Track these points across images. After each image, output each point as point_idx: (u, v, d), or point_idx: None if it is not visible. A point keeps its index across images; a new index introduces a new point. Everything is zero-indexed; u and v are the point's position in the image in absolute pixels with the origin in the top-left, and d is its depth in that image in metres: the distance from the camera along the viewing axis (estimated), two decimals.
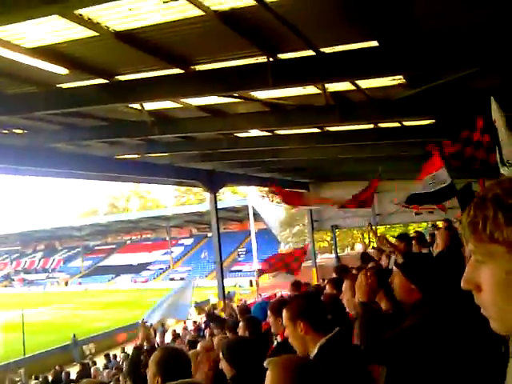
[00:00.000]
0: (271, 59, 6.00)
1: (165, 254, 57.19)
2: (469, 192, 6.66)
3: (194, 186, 21.69)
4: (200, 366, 4.08)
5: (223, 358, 3.28)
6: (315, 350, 2.48)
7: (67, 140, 10.50)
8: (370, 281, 2.82)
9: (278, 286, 29.79)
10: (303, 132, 11.23)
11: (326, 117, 8.65)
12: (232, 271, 45.63)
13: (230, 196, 62.54)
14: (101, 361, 19.16)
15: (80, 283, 55.95)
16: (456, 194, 7.04)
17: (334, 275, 6.70)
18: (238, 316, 7.55)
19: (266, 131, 11.08)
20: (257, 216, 43.04)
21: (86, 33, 5.23)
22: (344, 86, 7.46)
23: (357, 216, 22.31)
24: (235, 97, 7.95)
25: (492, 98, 4.70)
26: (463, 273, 0.94)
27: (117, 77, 6.75)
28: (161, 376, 2.68)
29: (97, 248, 65.66)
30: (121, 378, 9.33)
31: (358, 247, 43.56)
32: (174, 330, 21.64)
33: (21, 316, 25.22)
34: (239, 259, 50.14)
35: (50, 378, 16.44)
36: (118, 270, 56.97)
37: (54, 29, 5.12)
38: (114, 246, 64.77)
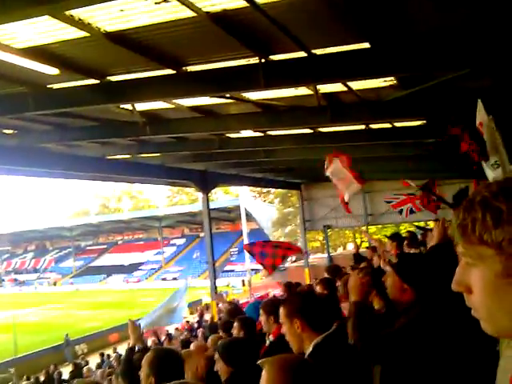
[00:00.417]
0: (263, 60, 6.01)
1: (157, 254, 57.01)
2: (465, 195, 6.70)
3: (187, 186, 21.68)
4: (192, 363, 4.08)
5: (219, 357, 3.28)
6: (310, 348, 2.48)
7: (58, 140, 10.44)
8: (363, 280, 2.83)
9: (271, 286, 29.80)
10: (295, 133, 11.25)
11: (318, 117, 8.67)
12: (224, 271, 45.57)
13: (222, 196, 62.47)
14: (94, 360, 19.09)
15: (72, 283, 55.63)
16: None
17: (326, 275, 6.71)
18: (224, 317, 7.50)
19: (258, 132, 11.08)
20: (249, 216, 43.04)
21: (77, 33, 5.20)
22: (336, 87, 7.48)
23: (349, 216, 22.41)
24: (227, 97, 7.95)
25: (479, 100, 4.71)
26: (454, 272, 0.95)
27: (108, 77, 6.72)
28: (154, 376, 2.68)
29: (88, 248, 65.31)
30: (113, 379, 9.28)
31: (350, 247, 43.66)
32: (167, 331, 21.58)
33: (12, 317, 25.05)
34: (231, 259, 50.09)
35: (41, 379, 16.34)
36: (110, 270, 56.71)
37: (44, 29, 5.09)
38: (105, 246, 64.45)
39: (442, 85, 6.85)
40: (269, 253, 9.65)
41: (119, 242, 64.51)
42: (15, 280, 61.34)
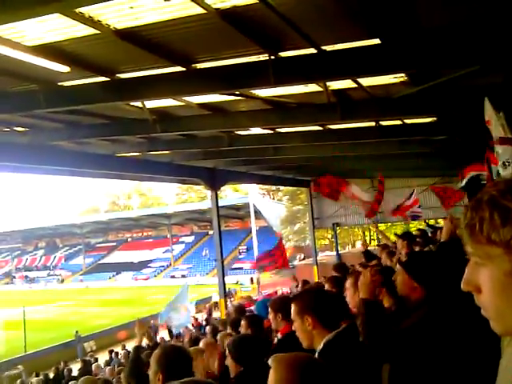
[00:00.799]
0: (273, 57, 5.99)
1: (166, 251, 57.22)
2: (477, 184, 6.66)
3: (196, 184, 21.72)
4: (205, 360, 4.08)
5: (229, 355, 3.28)
6: (321, 345, 2.47)
7: (68, 138, 10.51)
8: (375, 278, 2.82)
9: (279, 284, 29.83)
10: (304, 130, 11.22)
11: (328, 114, 8.64)
12: (233, 269, 45.65)
13: (231, 194, 62.55)
14: (103, 357, 19.20)
15: (81, 280, 56.01)
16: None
17: (334, 273, 6.70)
18: (234, 314, 7.53)
19: (268, 129, 11.06)
20: (258, 214, 43.06)
21: (87, 31, 5.23)
22: (345, 83, 7.45)
23: (357, 214, 22.32)
24: (236, 95, 7.94)
25: (486, 98, 4.67)
26: (464, 270, 0.94)
27: (118, 75, 6.75)
28: (162, 373, 2.68)
29: (98, 246, 65.72)
30: (122, 376, 9.31)
31: (359, 245, 43.55)
32: (168, 327, 21.66)
33: (22, 313, 25.26)
34: (240, 257, 50.15)
35: (51, 375, 16.44)
36: (119, 268, 57.02)
37: (55, 27, 5.12)
38: (114, 244, 64.82)
39: (452, 81, 6.80)
40: (276, 257, 9.80)
41: (129, 240, 64.85)
42: (26, 277, 61.88)
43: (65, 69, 6.19)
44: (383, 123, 10.52)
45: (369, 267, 4.31)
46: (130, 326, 24.09)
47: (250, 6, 4.76)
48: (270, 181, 24.76)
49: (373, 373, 2.53)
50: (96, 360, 17.97)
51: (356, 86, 7.46)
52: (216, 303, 26.20)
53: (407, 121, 10.22)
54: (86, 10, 4.74)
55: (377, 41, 5.63)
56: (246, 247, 49.98)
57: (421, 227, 13.45)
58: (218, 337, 5.35)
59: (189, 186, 65.82)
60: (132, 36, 5.43)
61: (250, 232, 40.63)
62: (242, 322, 4.91)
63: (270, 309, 4.03)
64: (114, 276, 56.18)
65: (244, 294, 30.58)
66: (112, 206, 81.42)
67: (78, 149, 11.95)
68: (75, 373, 15.99)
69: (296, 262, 33.42)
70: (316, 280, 19.37)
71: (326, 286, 5.18)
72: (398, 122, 10.35)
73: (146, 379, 3.56)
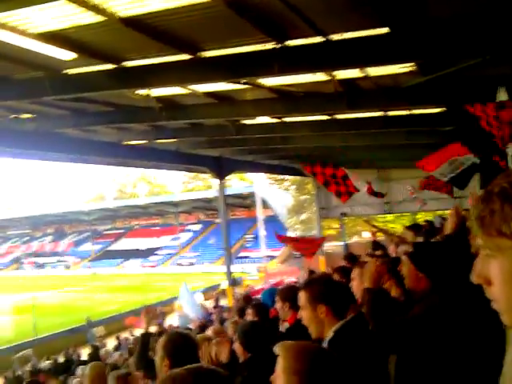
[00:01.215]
0: (279, 46, 5.94)
1: (173, 239, 57.48)
2: (490, 164, 6.58)
3: (202, 172, 21.74)
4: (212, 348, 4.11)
5: (238, 341, 3.30)
6: (331, 334, 2.46)
7: (74, 125, 10.54)
8: (379, 269, 2.82)
9: (286, 273, 29.88)
10: (311, 119, 11.16)
11: (335, 104, 8.59)
12: (239, 257, 45.78)
13: (238, 183, 62.56)
14: (111, 343, 19.44)
15: (89, 267, 56.48)
16: (477, 171, 6.97)
17: (343, 263, 6.68)
18: (241, 302, 7.61)
19: (274, 118, 11.02)
20: (264, 203, 43.06)
21: (93, 18, 5.20)
22: (353, 73, 7.38)
23: (365, 204, 22.25)
24: (243, 83, 7.90)
25: (502, 87, 4.61)
26: (470, 261, 0.94)
27: (124, 62, 6.72)
28: (168, 359, 2.70)
29: (105, 232, 66.12)
30: (130, 361, 9.42)
31: (366, 235, 43.50)
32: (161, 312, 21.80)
33: (31, 298, 25.58)
34: (246, 245, 50.26)
35: (60, 360, 16.68)
36: (127, 255, 57.37)
37: (60, 14, 5.10)
38: (122, 231, 65.17)
39: (462, 71, 6.72)
40: (301, 247, 9.81)
41: (136, 227, 65.16)
42: (34, 263, 62.49)
43: (70, 56, 6.19)
44: (390, 113, 10.44)
45: (374, 257, 4.30)
46: (137, 313, 24.35)
47: None
48: (276, 170, 24.73)
49: (381, 362, 2.53)
50: (104, 345, 18.20)
51: (363, 75, 7.39)
52: (224, 291, 26.36)
53: (415, 111, 10.13)
54: None
55: (386, 30, 5.55)
56: (252, 236, 50.07)
57: (428, 218, 13.39)
58: (226, 324, 5.39)
59: (195, 175, 65.89)
60: (138, 24, 5.40)
61: (257, 221, 40.64)
62: (249, 311, 4.94)
63: (277, 297, 4.04)
64: (121, 263, 56.57)
65: (251, 282, 30.69)
66: (119, 193, 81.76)
67: (84, 136, 11.99)
68: (84, 357, 16.23)
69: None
70: (323, 270, 19.39)
71: (335, 277, 5.18)
72: (406, 112, 10.26)
73: (154, 365, 3.60)
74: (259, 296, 9.78)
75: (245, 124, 11.64)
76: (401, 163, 19.75)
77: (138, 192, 79.30)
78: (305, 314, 2.56)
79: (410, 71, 7.20)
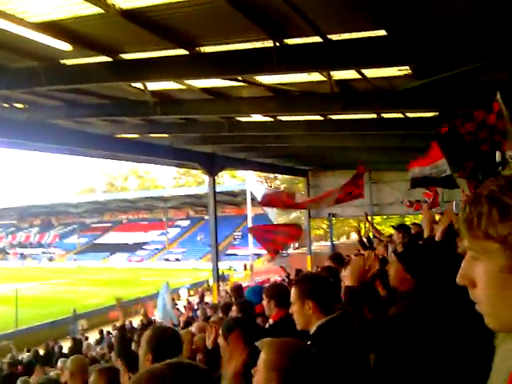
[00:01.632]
0: (278, 44, 5.94)
1: (161, 234, 57.31)
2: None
3: (194, 168, 21.66)
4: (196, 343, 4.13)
5: (222, 336, 3.32)
6: (314, 328, 2.53)
7: (68, 116, 10.44)
8: (368, 266, 2.83)
9: (272, 271, 29.96)
10: (306, 119, 11.17)
11: (330, 104, 8.60)
12: (227, 254, 45.79)
13: (229, 180, 62.49)
14: (93, 336, 19.34)
15: (75, 260, 56.11)
16: (455, 187, 7.04)
17: (329, 263, 6.72)
18: (232, 296, 7.63)
19: (268, 116, 11.02)
20: (254, 201, 43.12)
21: (91, 9, 5.16)
22: (349, 74, 7.40)
23: (354, 206, 22.33)
24: (239, 80, 7.89)
25: (498, 92, 4.65)
26: (456, 264, 0.95)
27: (121, 55, 6.68)
28: (151, 354, 2.70)
29: (93, 225, 65.74)
30: (112, 356, 9.39)
31: (354, 236, 43.72)
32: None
33: (14, 290, 25.34)
34: (234, 243, 50.30)
35: (41, 352, 16.53)
36: (114, 249, 57.13)
37: (59, 4, 5.06)
38: (110, 225, 64.84)
39: (457, 77, 6.77)
40: (270, 238, 9.73)
41: (124, 221, 64.87)
42: (20, 254, 61.92)
43: (67, 47, 6.13)
44: (385, 116, 10.49)
45: (360, 255, 4.33)
46: (124, 306, 24.21)
47: None
48: (268, 168, 24.73)
49: (362, 360, 2.56)
50: (86, 339, 18.11)
51: (360, 77, 7.42)
52: (209, 287, 26.36)
53: (409, 114, 10.19)
54: None
55: (383, 32, 5.58)
56: (241, 234, 50.10)
57: (416, 221, 13.47)
58: (211, 321, 5.39)
59: (186, 170, 65.69)
60: (137, 16, 5.37)
61: (246, 219, 40.66)
62: (233, 307, 4.96)
63: (264, 295, 4.08)
64: (108, 256, 56.30)
65: (237, 279, 30.74)
66: (109, 186, 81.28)
67: (77, 128, 11.89)
68: (65, 350, 16.11)
69: (290, 251, 33.54)
70: (309, 269, 19.46)
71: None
72: (400, 115, 10.32)
73: (134, 357, 3.59)
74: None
75: (239, 121, 11.62)
76: (392, 166, 19.86)
77: (129, 186, 78.89)
78: (294, 309, 2.65)
79: (406, 75, 7.24)
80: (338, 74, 7.49)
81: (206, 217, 48.15)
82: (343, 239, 44.41)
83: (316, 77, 7.54)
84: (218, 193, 23.17)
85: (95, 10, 5.16)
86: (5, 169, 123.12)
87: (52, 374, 9.63)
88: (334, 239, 30.83)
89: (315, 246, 30.56)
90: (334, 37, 5.80)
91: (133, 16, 5.33)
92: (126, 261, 53.56)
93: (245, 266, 37.58)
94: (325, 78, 7.49)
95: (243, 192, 42.97)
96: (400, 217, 32.99)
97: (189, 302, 23.56)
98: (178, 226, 59.21)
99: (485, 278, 0.88)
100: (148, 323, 5.29)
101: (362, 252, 7.04)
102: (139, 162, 24.43)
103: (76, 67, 6.97)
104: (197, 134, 13.20)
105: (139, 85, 8.27)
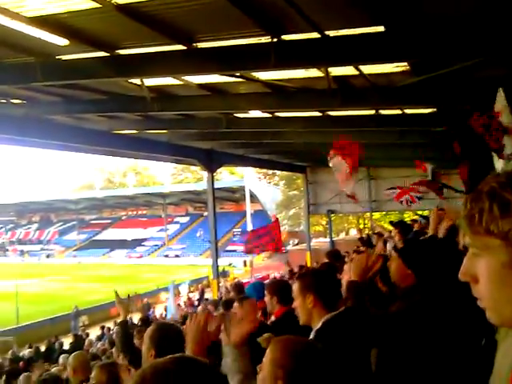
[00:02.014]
0: (275, 40, 5.92)
1: (160, 230, 57.30)
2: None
3: (192, 165, 21.68)
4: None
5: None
6: (319, 324, 2.53)
7: (65, 112, 10.42)
8: (372, 264, 2.83)
9: (272, 268, 30.00)
10: (304, 115, 11.17)
11: (328, 101, 8.59)
12: (226, 251, 45.82)
13: (228, 176, 62.49)
14: (94, 332, 19.37)
15: (75, 256, 56.12)
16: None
17: (326, 260, 6.74)
18: (232, 293, 7.63)
19: (266, 113, 11.00)
20: (253, 197, 43.11)
21: (88, 4, 5.14)
22: (347, 70, 7.39)
23: (353, 202, 22.37)
24: (237, 76, 7.87)
25: (500, 89, 4.65)
26: (457, 260, 0.95)
27: (118, 50, 6.66)
28: (155, 350, 2.71)
29: (92, 222, 65.72)
30: (114, 351, 9.40)
31: (353, 232, 43.78)
32: (166, 306, 21.93)
33: (14, 286, 25.35)
34: (234, 239, 50.31)
35: (42, 348, 16.55)
36: (113, 245, 57.10)
37: None
38: (109, 221, 64.81)
39: (455, 73, 6.75)
40: (267, 240, 9.83)
41: (123, 218, 64.85)
42: (19, 250, 61.93)
43: (64, 42, 6.11)
44: (383, 112, 10.48)
45: (363, 252, 4.34)
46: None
47: None
48: (266, 165, 24.75)
49: (364, 356, 2.56)
50: (87, 335, 18.13)
51: (357, 73, 7.40)
52: (208, 283, 26.42)
53: (407, 111, 10.18)
54: None
55: (381, 28, 5.57)
56: (240, 230, 50.12)
57: (415, 218, 13.51)
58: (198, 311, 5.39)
59: (185, 167, 65.65)
60: (134, 11, 5.35)
61: (245, 215, 40.71)
62: (235, 304, 4.95)
63: (266, 291, 4.09)
64: (107, 253, 56.31)
65: (237, 275, 30.77)
66: (107, 183, 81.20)
67: (74, 123, 11.86)
68: (66, 346, 16.14)
69: (289, 247, 33.59)
70: (309, 265, 19.49)
71: None
72: (398, 112, 10.31)
73: (137, 353, 3.59)
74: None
75: (237, 117, 11.61)
76: (391, 162, 19.88)
77: (127, 182, 78.87)
78: (297, 303, 2.67)
79: (404, 71, 7.23)
80: (335, 70, 7.47)
81: (205, 213, 48.17)
82: (342, 235, 44.44)
83: (314, 73, 7.52)
84: (217, 189, 23.16)
85: (91, 4, 5.14)
86: (3, 165, 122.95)
87: (53, 370, 9.66)
88: (333, 235, 30.85)
89: (314, 242, 30.60)
90: (332, 33, 5.78)
91: (129, 11, 5.31)
92: (126, 257, 53.58)
93: (244, 263, 37.60)
94: (322, 74, 7.47)
95: (242, 188, 42.97)
96: (399, 213, 33.04)
97: (189, 298, 23.61)
98: (177, 223, 59.19)
99: (487, 273, 0.88)
100: (145, 319, 5.30)
101: (361, 249, 7.07)
102: (137, 159, 24.42)
103: (73, 62, 6.94)
104: (195, 130, 13.19)
105: (137, 80, 8.25)
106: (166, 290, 26.90)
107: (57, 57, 6.85)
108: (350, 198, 9.86)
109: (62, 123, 11.62)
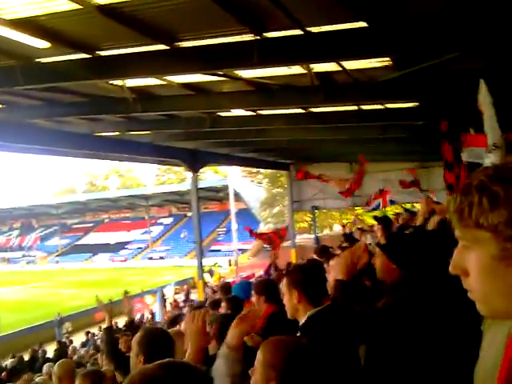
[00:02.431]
0: (258, 37, 5.92)
1: (144, 233, 56.87)
2: None
3: (176, 165, 21.56)
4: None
5: (214, 333, 3.31)
6: (304, 319, 2.57)
7: (46, 116, 10.27)
8: (356, 259, 2.84)
9: (257, 266, 30.00)
10: (287, 112, 11.19)
11: (311, 97, 8.62)
12: (211, 251, 45.69)
13: (211, 176, 62.28)
14: (78, 339, 19.15)
15: (57, 262, 55.36)
16: None
17: (315, 256, 6.76)
18: (219, 293, 7.61)
19: (250, 111, 11.00)
20: (237, 196, 43.05)
21: (68, 5, 5.08)
22: (329, 66, 7.42)
23: (336, 198, 22.50)
24: (219, 75, 7.85)
25: (482, 80, 4.71)
26: (442, 252, 0.96)
27: (99, 52, 6.58)
28: (143, 355, 2.69)
29: (74, 226, 64.91)
30: (99, 357, 9.32)
31: (337, 228, 43.99)
32: (151, 310, 21.79)
33: None
34: (218, 239, 50.19)
35: (26, 357, 16.29)
36: (96, 249, 56.45)
37: (34, 0, 4.95)
38: (91, 225, 64.09)
39: (436, 67, 6.84)
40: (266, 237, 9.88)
41: (106, 221, 64.18)
42: (2, 258, 60.86)
43: (44, 45, 6.02)
44: (365, 107, 10.56)
45: (348, 248, 4.36)
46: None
47: None
48: (250, 163, 24.74)
49: (352, 352, 2.58)
50: (71, 342, 17.92)
51: (340, 69, 7.44)
52: (193, 284, 26.29)
53: (389, 105, 10.28)
54: None
55: (363, 24, 5.60)
56: (224, 229, 50.01)
57: (398, 211, 13.64)
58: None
59: (168, 168, 65.24)
60: (114, 12, 5.30)
61: (229, 214, 40.62)
62: (223, 304, 4.96)
63: (253, 291, 4.09)
64: (90, 257, 55.67)
65: (222, 275, 30.71)
66: (89, 186, 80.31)
67: (56, 127, 11.71)
68: (50, 354, 15.92)
69: None
70: (294, 262, 19.53)
71: None
72: (380, 107, 10.40)
73: (125, 359, 3.56)
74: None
75: (220, 116, 11.58)
76: (374, 157, 20.03)
77: (110, 185, 78.07)
78: (285, 299, 2.71)
79: (386, 66, 7.29)
80: (318, 67, 7.50)
81: (189, 214, 47.99)
82: (327, 231, 44.64)
83: (296, 70, 7.54)
84: (201, 189, 23.08)
85: (71, 5, 5.07)
86: None
87: (37, 379, 9.51)
88: (317, 232, 30.99)
89: (299, 238, 30.68)
90: (315, 29, 5.80)
91: (109, 11, 5.26)
92: (109, 261, 53.04)
93: (229, 262, 37.55)
94: (305, 71, 7.49)
95: (225, 187, 42.85)
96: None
97: (175, 300, 23.50)
98: (160, 224, 58.79)
99: (477, 266, 0.89)
100: (131, 323, 5.26)
101: (344, 244, 7.10)
102: (121, 161, 24.18)
103: (53, 65, 6.83)
104: (178, 131, 13.12)
105: (118, 82, 8.17)
106: (150, 292, 26.78)
107: (37, 59, 6.75)
108: (345, 193, 9.89)
109: (42, 127, 11.46)
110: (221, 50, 6.22)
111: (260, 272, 23.71)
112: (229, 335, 2.28)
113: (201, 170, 18.29)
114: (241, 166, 32.59)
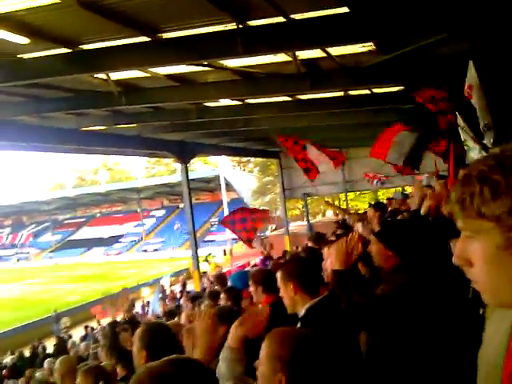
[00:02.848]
0: (241, 26, 5.87)
1: (137, 226, 56.73)
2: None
3: (165, 157, 21.44)
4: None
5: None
6: (303, 311, 2.56)
7: (31, 112, 10.14)
8: (352, 247, 2.82)
9: (252, 255, 30.08)
10: (274, 101, 11.14)
11: (297, 84, 8.59)
12: (205, 241, 45.71)
13: (202, 166, 62.08)
14: (77, 333, 19.16)
15: (51, 257, 55.16)
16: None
17: (310, 244, 6.74)
18: (215, 284, 7.64)
19: (237, 100, 10.94)
20: (229, 186, 42.98)
21: (46, 0, 4.99)
22: (315, 53, 7.39)
23: (328, 184, 22.56)
24: (204, 65, 7.79)
25: (471, 61, 4.69)
26: (437, 237, 0.96)
27: (81, 46, 6.50)
28: (146, 351, 2.68)
29: (66, 222, 64.60)
30: (99, 351, 9.32)
31: (329, 214, 44.14)
32: (148, 302, 21.80)
33: None
34: (212, 229, 50.20)
35: (26, 353, 16.30)
36: (90, 244, 56.28)
37: None
38: (83, 220, 63.80)
39: (420, 50, 6.83)
40: (241, 228, 9.71)
41: (98, 215, 63.92)
42: None
43: (24, 41, 5.93)
44: (352, 93, 10.54)
45: (344, 237, 4.36)
46: (104, 301, 23.90)
47: None
48: (240, 152, 24.67)
49: (352, 340, 2.58)
50: (70, 337, 17.91)
51: (325, 55, 7.42)
52: (189, 276, 26.32)
53: (376, 90, 10.27)
54: None
55: (345, 9, 5.58)
56: (217, 220, 50.00)
57: (390, 196, 13.69)
58: (203, 308, 5.36)
59: (157, 160, 64.89)
60: (95, 5, 5.23)
61: (221, 204, 40.58)
62: (222, 295, 4.96)
63: (251, 281, 4.08)
64: (84, 252, 55.52)
65: (218, 264, 30.76)
66: (79, 181, 79.79)
67: (41, 123, 11.58)
68: (49, 350, 15.93)
69: (268, 233, 33.69)
70: (288, 249, 19.60)
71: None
72: (367, 92, 10.39)
73: (126, 354, 3.55)
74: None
75: (207, 107, 11.51)
76: (365, 142, 20.03)
77: (99, 179, 77.60)
78: (281, 292, 2.68)
79: (371, 51, 7.27)
80: (303, 54, 7.46)
81: (181, 205, 47.88)
82: (319, 217, 44.78)
83: (282, 57, 7.50)
84: (192, 180, 23.00)
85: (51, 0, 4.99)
86: None
87: (37, 374, 9.51)
88: (310, 218, 31.07)
89: (292, 226, 30.75)
90: (297, 16, 5.76)
91: (90, 4, 5.19)
92: (104, 255, 52.93)
93: (224, 252, 37.60)
94: (290, 59, 7.46)
95: (217, 178, 42.74)
96: (372, 192, 33.46)
97: (171, 292, 23.51)
98: (153, 216, 58.67)
99: (482, 256, 0.88)
100: (130, 317, 5.24)
101: (339, 231, 7.10)
102: (108, 154, 24.00)
103: (35, 61, 6.74)
104: (165, 122, 13.02)
105: (102, 75, 8.08)
106: (146, 285, 26.77)
107: (18, 56, 6.65)
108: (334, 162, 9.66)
109: (28, 124, 11.33)
110: (204, 39, 6.16)
111: (256, 260, 23.83)
112: (230, 336, 2.27)
113: (191, 161, 18.21)
114: (230, 155, 32.53)
